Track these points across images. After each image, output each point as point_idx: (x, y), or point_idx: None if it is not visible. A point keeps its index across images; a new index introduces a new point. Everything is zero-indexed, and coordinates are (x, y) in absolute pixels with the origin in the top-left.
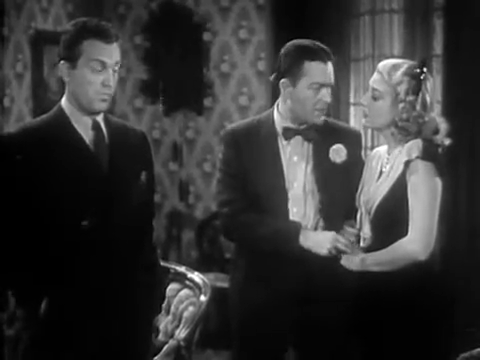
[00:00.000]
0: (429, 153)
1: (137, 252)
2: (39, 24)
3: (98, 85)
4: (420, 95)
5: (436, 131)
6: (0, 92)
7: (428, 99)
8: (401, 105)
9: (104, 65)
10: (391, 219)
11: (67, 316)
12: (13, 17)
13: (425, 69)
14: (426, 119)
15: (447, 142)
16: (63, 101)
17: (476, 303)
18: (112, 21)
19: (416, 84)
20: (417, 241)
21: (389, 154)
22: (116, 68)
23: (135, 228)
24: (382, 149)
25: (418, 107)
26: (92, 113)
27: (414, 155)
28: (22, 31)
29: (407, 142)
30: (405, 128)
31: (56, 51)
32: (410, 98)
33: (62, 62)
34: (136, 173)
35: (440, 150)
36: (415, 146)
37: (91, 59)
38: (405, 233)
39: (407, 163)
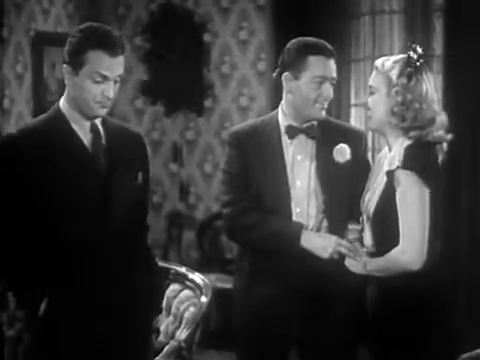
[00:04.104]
0: (411, 161)
1: (135, 251)
2: (39, 25)
3: (97, 94)
4: (414, 80)
5: (432, 121)
6: (0, 93)
7: (424, 87)
8: (394, 89)
9: (106, 78)
10: (385, 225)
11: (67, 317)
12: (13, 18)
13: (418, 52)
14: (424, 106)
15: (448, 137)
16: (61, 102)
17: (476, 304)
18: (112, 22)
19: (409, 69)
20: (409, 251)
21: (387, 157)
22: (118, 79)
23: (132, 228)
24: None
25: (413, 92)
26: (91, 118)
27: (394, 165)
28: (22, 32)
29: (406, 135)
30: (400, 113)
31: (56, 52)
32: (403, 81)
33: (65, 66)
34: (133, 174)
35: (440, 151)
36: (397, 154)
37: (93, 71)
38: (398, 240)
39: (389, 173)
